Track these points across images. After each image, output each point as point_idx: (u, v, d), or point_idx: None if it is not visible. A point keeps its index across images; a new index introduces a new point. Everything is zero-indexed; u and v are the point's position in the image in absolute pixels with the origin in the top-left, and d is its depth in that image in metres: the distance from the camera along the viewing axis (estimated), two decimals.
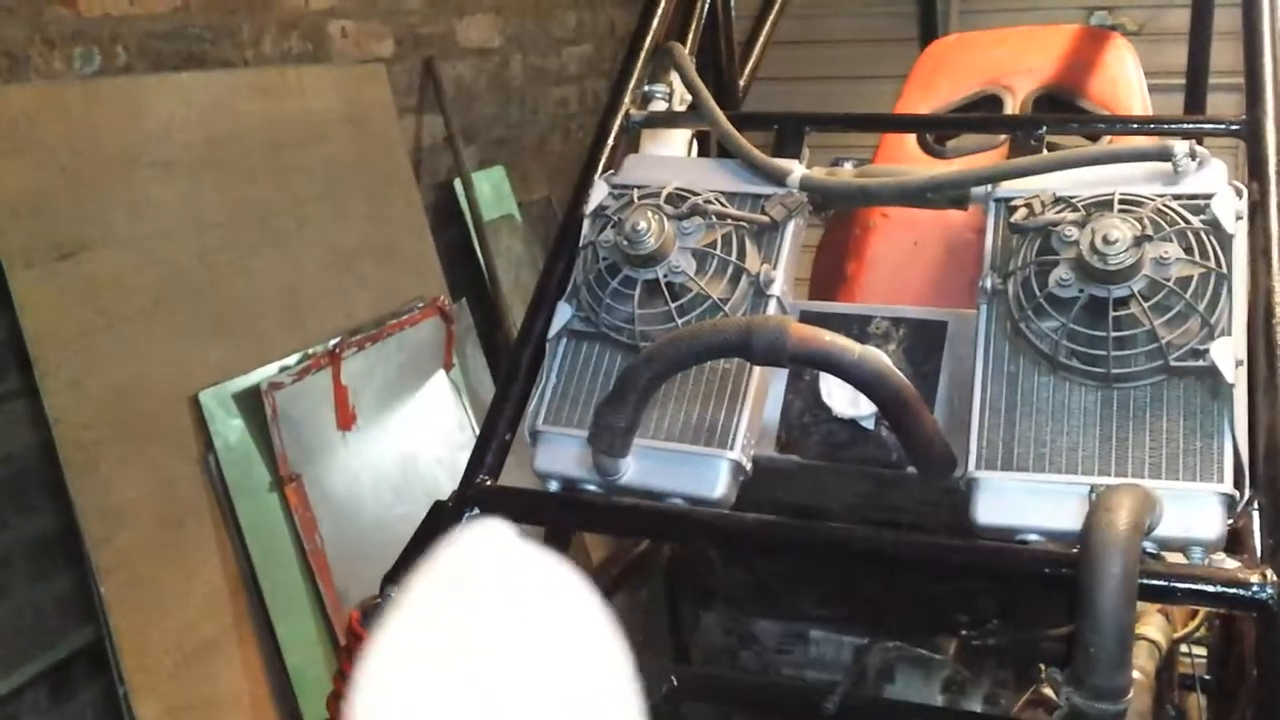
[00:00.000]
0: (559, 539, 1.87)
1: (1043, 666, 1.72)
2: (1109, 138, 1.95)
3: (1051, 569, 1.30)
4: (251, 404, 2.75)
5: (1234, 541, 1.38)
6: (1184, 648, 2.20)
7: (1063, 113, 2.17)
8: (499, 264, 3.97)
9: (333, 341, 3.02)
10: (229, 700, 2.59)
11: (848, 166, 1.74)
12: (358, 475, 3.00)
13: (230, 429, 2.70)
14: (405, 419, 3.22)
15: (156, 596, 2.47)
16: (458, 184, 3.94)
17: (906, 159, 2.15)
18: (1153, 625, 1.77)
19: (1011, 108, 2.19)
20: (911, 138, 2.18)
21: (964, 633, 1.76)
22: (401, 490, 3.09)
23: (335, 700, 1.60)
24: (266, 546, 2.71)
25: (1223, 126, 1.66)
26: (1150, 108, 2.25)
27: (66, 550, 2.48)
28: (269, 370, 2.84)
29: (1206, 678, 2.33)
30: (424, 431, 3.27)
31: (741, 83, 2.42)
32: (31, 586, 2.45)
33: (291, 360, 2.90)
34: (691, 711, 1.92)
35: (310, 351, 2.96)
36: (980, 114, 2.18)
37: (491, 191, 4.16)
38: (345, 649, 1.59)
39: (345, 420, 2.99)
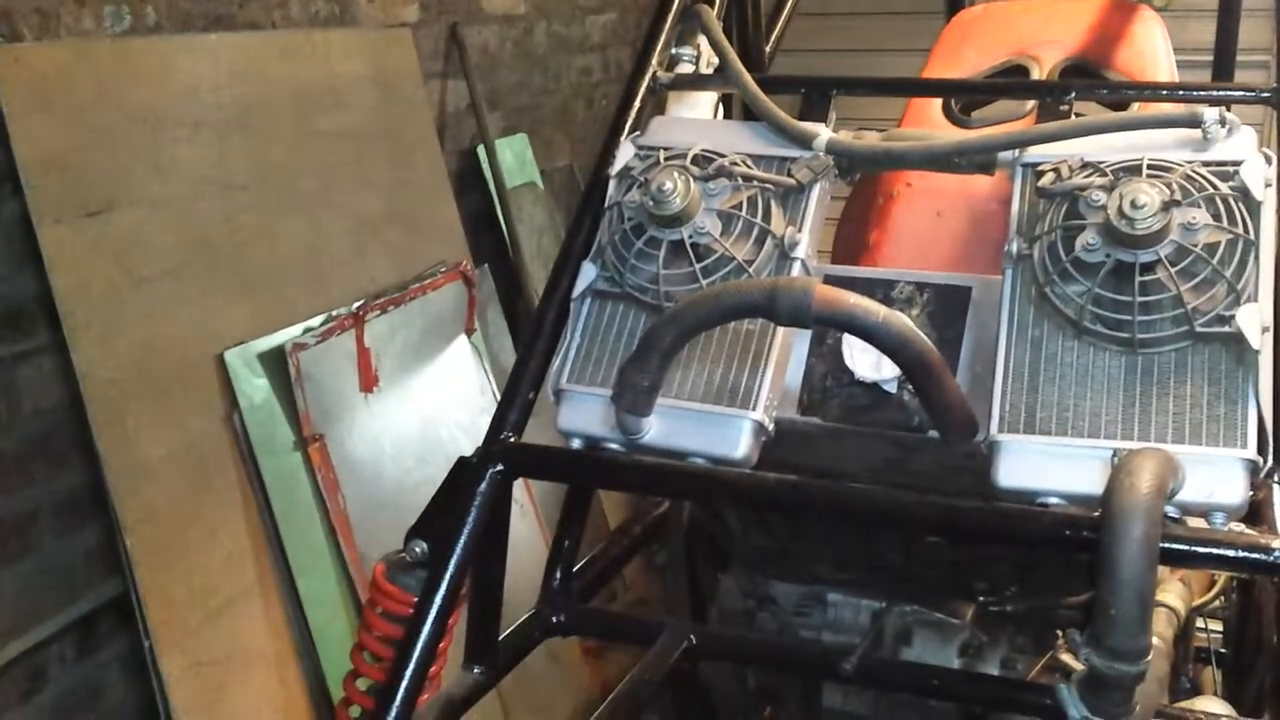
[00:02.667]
0: (580, 496, 1.89)
1: (1060, 631, 1.73)
2: (1138, 105, 1.94)
3: (1073, 532, 1.31)
4: (276, 364, 2.77)
5: (1253, 514, 1.38)
6: (1199, 622, 2.20)
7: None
8: (521, 231, 3.98)
9: (356, 304, 3.04)
10: (252, 655, 2.63)
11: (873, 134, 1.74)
12: (379, 437, 3.02)
13: (255, 388, 2.72)
14: (427, 382, 3.24)
15: (181, 551, 2.50)
16: (481, 151, 3.94)
17: (931, 129, 2.14)
18: (1172, 593, 1.78)
19: (1038, 78, 2.17)
20: (937, 109, 2.17)
21: (982, 598, 1.77)
22: (422, 453, 3.11)
23: (359, 653, 1.63)
24: (290, 505, 2.74)
25: (1253, 94, 1.66)
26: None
27: (93, 504, 2.51)
28: (293, 331, 2.85)
29: (1222, 651, 2.34)
30: (445, 395, 3.29)
31: (767, 50, 2.42)
32: (58, 540, 2.48)
33: (315, 322, 2.92)
34: (710, 671, 1.93)
35: (334, 313, 2.97)
36: (1008, 79, 2.17)
37: (514, 159, 4.17)
38: (370, 602, 1.61)
39: (368, 382, 3.01)
